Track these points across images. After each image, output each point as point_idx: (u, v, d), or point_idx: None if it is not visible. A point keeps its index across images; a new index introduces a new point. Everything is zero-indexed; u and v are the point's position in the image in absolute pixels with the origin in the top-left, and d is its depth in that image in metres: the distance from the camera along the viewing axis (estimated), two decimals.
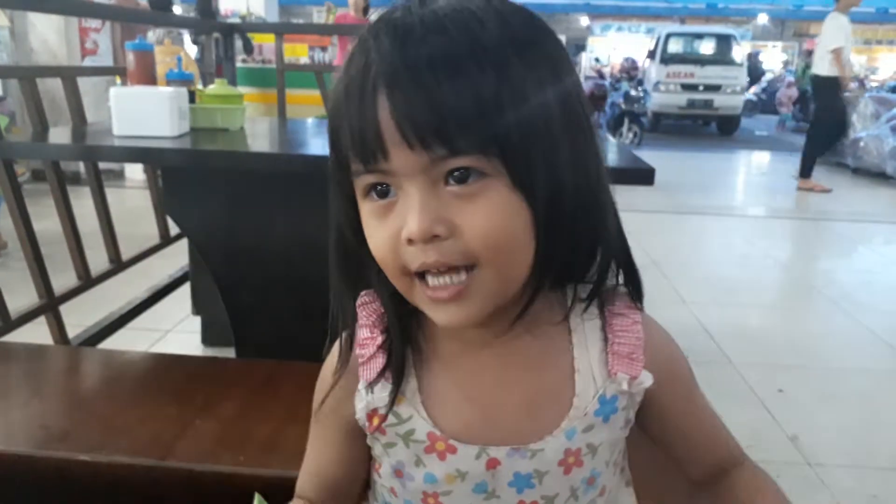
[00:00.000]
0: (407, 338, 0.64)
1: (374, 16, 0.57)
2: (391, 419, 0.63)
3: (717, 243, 5.02)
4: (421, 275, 0.56)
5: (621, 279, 0.66)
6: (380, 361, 0.63)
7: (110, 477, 1.11)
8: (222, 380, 1.36)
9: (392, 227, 0.55)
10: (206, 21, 3.27)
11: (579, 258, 0.60)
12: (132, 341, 2.45)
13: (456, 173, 0.53)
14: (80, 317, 2.24)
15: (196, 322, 2.69)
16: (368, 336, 0.64)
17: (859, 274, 4.21)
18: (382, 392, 0.63)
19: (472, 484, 0.62)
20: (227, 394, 1.28)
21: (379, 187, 0.55)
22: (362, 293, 0.66)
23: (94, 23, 5.62)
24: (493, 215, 0.53)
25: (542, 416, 0.62)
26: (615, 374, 0.63)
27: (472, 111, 0.51)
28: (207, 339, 2.65)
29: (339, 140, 0.56)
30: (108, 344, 2.18)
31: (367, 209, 0.57)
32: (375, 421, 0.64)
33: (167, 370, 1.47)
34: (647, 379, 0.64)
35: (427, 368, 0.64)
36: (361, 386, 0.64)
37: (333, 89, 0.58)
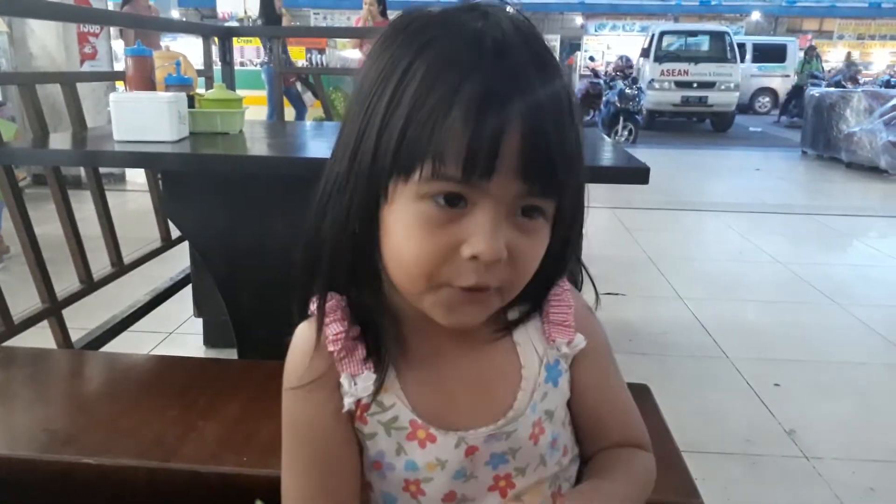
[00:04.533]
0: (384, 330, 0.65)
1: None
2: (374, 408, 0.65)
3: (713, 239, 5.02)
4: (445, 282, 0.58)
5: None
6: (360, 353, 0.65)
7: (114, 480, 1.11)
8: (225, 381, 1.36)
9: (451, 238, 0.56)
10: (208, 26, 3.27)
11: (554, 271, 0.67)
12: (135, 344, 2.45)
13: (528, 208, 0.57)
14: (82, 320, 2.24)
15: (198, 324, 2.69)
16: (341, 330, 0.64)
17: (854, 268, 4.22)
18: (367, 381, 0.64)
19: (452, 471, 0.65)
20: (229, 395, 1.28)
21: (451, 196, 0.55)
22: (322, 291, 0.65)
23: (93, 28, 5.61)
24: (539, 250, 0.60)
25: (497, 392, 0.67)
26: (553, 340, 0.69)
27: (570, 158, 0.57)
28: (209, 341, 2.66)
29: (417, 135, 0.54)
30: (111, 347, 2.18)
31: (420, 212, 0.56)
32: (358, 411, 0.65)
33: (170, 372, 1.47)
34: (581, 341, 0.69)
35: (401, 360, 0.66)
36: (344, 379, 0.64)
37: (415, 75, 0.55)
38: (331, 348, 0.64)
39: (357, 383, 0.64)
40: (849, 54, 16.12)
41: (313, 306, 0.66)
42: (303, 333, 0.67)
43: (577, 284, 0.72)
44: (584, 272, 0.72)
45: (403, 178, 0.56)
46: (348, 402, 0.64)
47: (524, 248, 0.58)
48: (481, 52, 0.55)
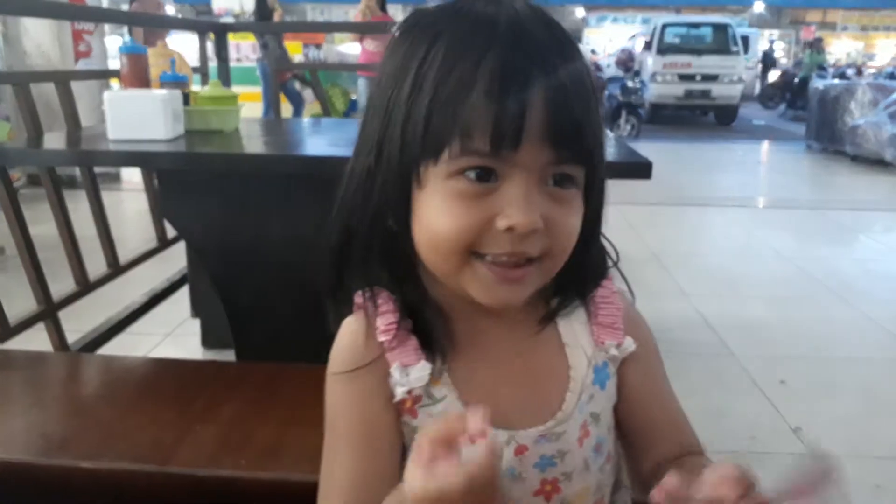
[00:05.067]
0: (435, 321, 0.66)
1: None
2: (425, 400, 0.65)
3: (716, 234, 5.01)
4: (479, 256, 0.59)
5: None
6: (412, 343, 0.65)
7: (112, 484, 1.11)
8: (222, 383, 1.36)
9: (485, 211, 0.57)
10: (203, 22, 3.27)
11: (589, 254, 0.68)
12: (132, 346, 2.45)
13: (559, 177, 0.59)
14: (78, 322, 2.24)
15: (195, 325, 2.69)
16: (392, 321, 0.65)
17: (859, 263, 4.21)
18: (420, 372, 0.64)
19: (502, 470, 0.64)
20: (227, 397, 1.28)
21: (481, 171, 0.57)
22: (365, 288, 0.67)
23: (87, 25, 5.61)
24: (575, 219, 0.61)
25: (545, 392, 0.67)
26: (602, 342, 0.69)
27: (595, 124, 0.59)
28: (207, 342, 2.65)
29: (444, 113, 0.56)
30: (108, 349, 2.18)
31: (453, 188, 0.58)
32: (409, 403, 0.65)
33: (167, 375, 1.47)
34: (630, 344, 0.69)
35: (451, 353, 0.66)
36: (395, 370, 0.65)
37: (438, 55, 0.57)
38: (382, 339, 0.65)
39: (410, 373, 0.64)
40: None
41: (358, 299, 0.67)
42: (350, 326, 0.68)
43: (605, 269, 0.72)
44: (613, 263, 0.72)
45: (433, 161, 0.58)
46: (400, 391, 0.64)
47: (559, 217, 0.59)
48: (497, 31, 0.57)
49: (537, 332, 0.68)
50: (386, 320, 0.65)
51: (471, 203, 0.57)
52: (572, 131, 0.57)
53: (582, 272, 0.68)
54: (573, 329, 0.69)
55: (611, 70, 12.62)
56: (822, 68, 13.33)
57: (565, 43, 0.59)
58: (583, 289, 0.70)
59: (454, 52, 0.57)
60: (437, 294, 0.66)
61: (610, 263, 0.72)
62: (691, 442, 0.72)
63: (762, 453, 2.04)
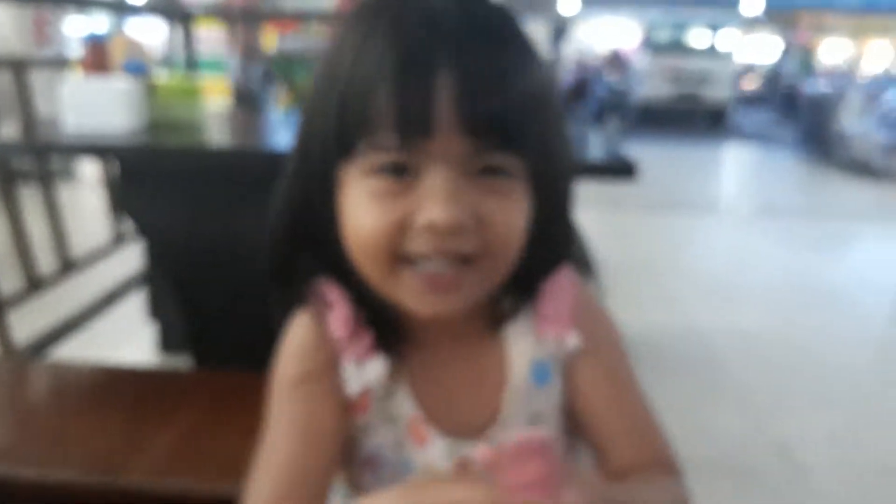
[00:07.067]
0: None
1: None
2: (379, 395, 0.64)
3: (704, 241, 5.06)
4: (408, 261, 0.56)
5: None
6: (368, 337, 0.64)
7: (59, 496, 1.08)
8: (178, 392, 1.34)
9: (401, 210, 0.55)
10: (173, 9, 3.23)
11: (547, 252, 0.64)
12: (84, 348, 2.40)
13: (488, 168, 0.56)
14: (28, 323, 2.19)
15: (153, 327, 2.65)
16: (347, 314, 0.64)
17: (849, 272, 4.27)
18: (376, 367, 0.63)
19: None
20: (183, 406, 1.25)
21: (395, 166, 0.55)
22: (318, 278, 0.66)
23: (51, 11, 5.54)
24: (515, 212, 0.58)
25: (485, 395, 0.66)
26: (541, 333, 0.65)
27: (521, 107, 0.55)
28: (165, 345, 2.61)
29: (351, 109, 0.56)
30: (60, 352, 2.14)
31: (369, 188, 0.56)
32: (361, 399, 0.64)
33: (120, 382, 1.44)
34: (575, 339, 0.65)
35: (404, 352, 0.65)
36: (350, 365, 0.64)
37: (347, 50, 0.57)
38: (338, 333, 0.64)
39: (365, 369, 0.63)
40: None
41: (310, 294, 0.66)
42: (301, 321, 0.66)
43: (586, 273, 0.70)
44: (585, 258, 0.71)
45: (349, 160, 0.57)
46: (354, 387, 0.63)
47: (493, 212, 0.56)
48: (404, 16, 0.56)
49: (487, 334, 0.66)
50: (340, 314, 0.64)
51: (388, 201, 0.55)
52: (492, 118, 0.54)
53: (536, 267, 0.64)
54: (516, 323, 0.66)
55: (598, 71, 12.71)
56: (810, 71, 13.52)
57: (488, 24, 0.57)
58: (532, 281, 0.66)
59: (363, 48, 0.56)
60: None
61: (585, 270, 0.70)
62: (659, 456, 0.67)
63: (749, 468, 2.05)
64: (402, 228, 0.55)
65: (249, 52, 3.13)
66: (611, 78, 10.52)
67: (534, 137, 0.57)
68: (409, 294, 0.58)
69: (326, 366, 0.64)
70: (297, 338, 0.66)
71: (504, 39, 0.57)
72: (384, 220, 0.55)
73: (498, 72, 0.55)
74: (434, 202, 0.54)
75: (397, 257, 0.56)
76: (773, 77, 16.55)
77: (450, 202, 0.53)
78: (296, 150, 0.62)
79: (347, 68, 0.56)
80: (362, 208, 0.56)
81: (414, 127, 0.53)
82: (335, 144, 0.57)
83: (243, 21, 3.25)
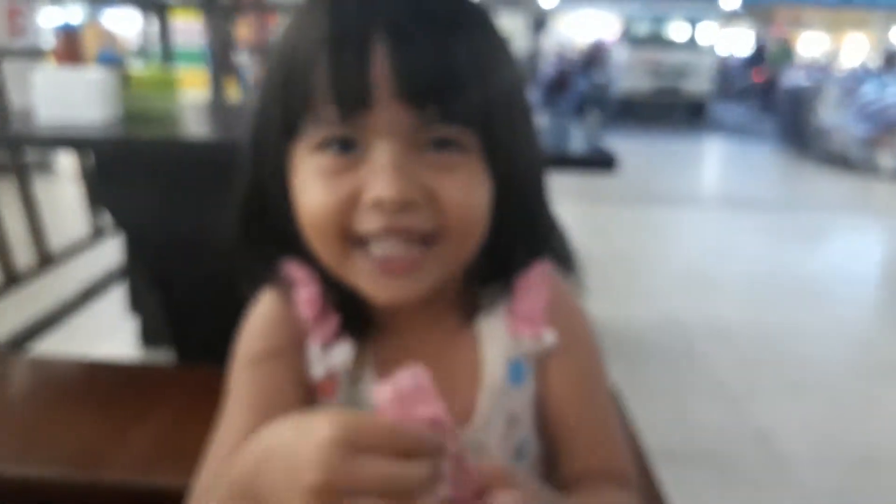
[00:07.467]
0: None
1: None
2: (345, 380, 0.63)
3: (683, 234, 5.10)
4: (361, 243, 0.55)
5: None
6: (335, 319, 0.63)
7: (38, 491, 1.07)
8: (159, 386, 1.33)
9: (348, 186, 0.54)
10: (145, 0, 3.19)
11: (519, 242, 0.63)
12: (64, 343, 2.38)
13: (438, 142, 0.54)
14: (6, 319, 2.16)
15: (133, 321, 2.63)
16: (315, 294, 0.63)
17: (826, 265, 4.33)
18: (343, 351, 0.62)
19: None
20: (164, 401, 1.25)
21: (339, 142, 0.54)
22: (286, 258, 0.64)
23: (24, 1, 5.45)
24: (471, 189, 0.55)
25: (458, 393, 0.62)
26: (516, 333, 0.63)
27: (470, 79, 0.54)
28: (146, 339, 2.59)
29: (293, 88, 0.55)
30: (39, 347, 2.12)
31: (316, 165, 0.55)
32: (327, 384, 0.63)
33: (100, 377, 1.43)
34: (550, 337, 0.63)
35: (375, 334, 0.64)
36: (315, 348, 0.62)
37: (291, 33, 0.58)
38: (304, 313, 0.62)
39: (331, 353, 0.62)
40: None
41: (277, 273, 0.64)
42: (267, 299, 0.65)
43: (567, 268, 0.68)
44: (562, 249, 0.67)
45: (297, 139, 0.56)
46: (318, 371, 0.62)
47: (446, 188, 0.54)
48: None
49: (460, 328, 0.64)
50: (307, 293, 0.63)
51: (335, 178, 0.54)
52: (431, 87, 0.52)
53: (509, 259, 0.63)
54: (490, 320, 0.64)
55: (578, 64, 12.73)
56: (789, 66, 13.62)
57: None
58: (507, 273, 0.64)
59: (302, 28, 0.56)
60: None
61: (564, 262, 0.67)
62: (615, 466, 0.64)
63: (727, 459, 2.07)
64: (350, 206, 0.54)
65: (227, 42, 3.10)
66: (591, 71, 10.54)
67: (481, 110, 0.55)
68: (364, 278, 0.56)
69: (291, 344, 0.63)
70: (261, 314, 0.65)
71: (446, 10, 0.55)
72: (332, 197, 0.54)
73: (435, 40, 0.53)
74: (380, 176, 0.52)
75: (349, 238, 0.55)
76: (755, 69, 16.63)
77: (395, 176, 0.52)
78: (251, 136, 0.62)
79: (290, 48, 0.56)
80: (310, 186, 0.55)
81: (352, 98, 0.52)
82: (282, 123, 0.56)
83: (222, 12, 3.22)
